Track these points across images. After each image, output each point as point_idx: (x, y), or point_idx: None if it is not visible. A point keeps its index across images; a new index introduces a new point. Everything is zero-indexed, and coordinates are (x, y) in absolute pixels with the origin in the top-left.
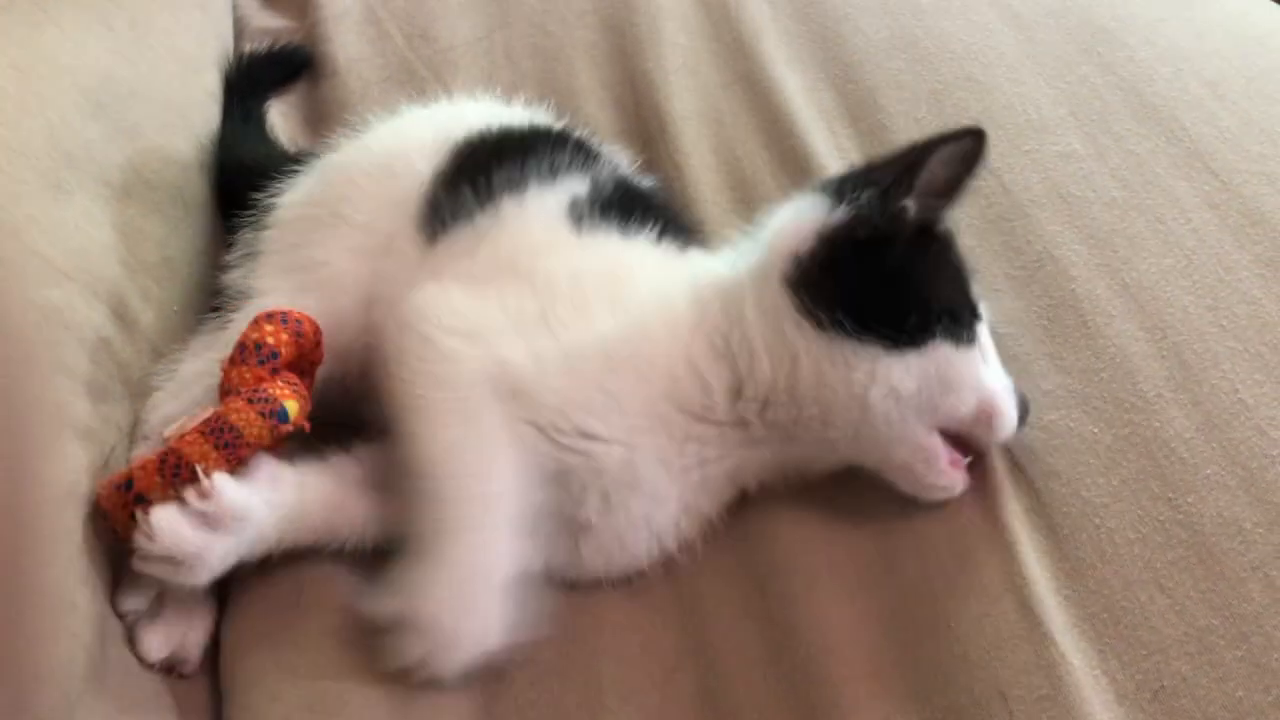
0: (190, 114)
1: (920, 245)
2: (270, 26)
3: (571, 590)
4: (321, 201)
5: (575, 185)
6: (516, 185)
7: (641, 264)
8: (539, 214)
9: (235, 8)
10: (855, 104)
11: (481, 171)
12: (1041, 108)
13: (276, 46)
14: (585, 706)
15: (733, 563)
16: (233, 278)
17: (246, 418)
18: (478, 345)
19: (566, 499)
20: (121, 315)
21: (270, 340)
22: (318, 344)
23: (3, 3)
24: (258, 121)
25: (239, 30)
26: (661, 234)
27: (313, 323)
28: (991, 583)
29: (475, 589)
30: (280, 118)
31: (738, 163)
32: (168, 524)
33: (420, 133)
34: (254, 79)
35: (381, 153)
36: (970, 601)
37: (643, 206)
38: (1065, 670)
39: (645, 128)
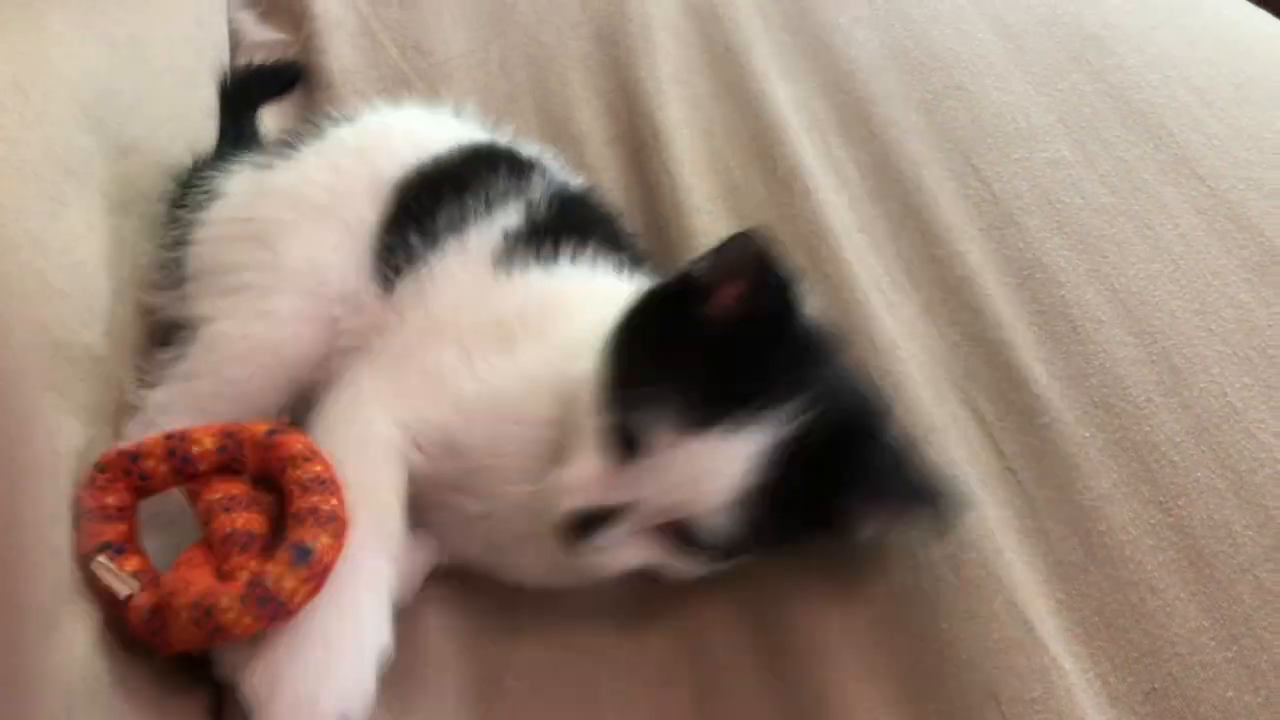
0: (187, 128)
1: None
2: (265, 40)
3: (567, 600)
4: (264, 221)
5: (509, 214)
6: (457, 225)
7: (558, 308)
8: (468, 259)
9: (230, 22)
10: (847, 114)
11: (426, 214)
12: (1031, 116)
13: (269, 61)
14: (582, 712)
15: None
16: (165, 301)
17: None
18: (403, 420)
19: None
20: (113, 332)
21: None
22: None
23: (4, 17)
24: (249, 138)
25: (234, 44)
26: (594, 248)
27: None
28: (983, 586)
29: (337, 655)
30: (276, 131)
31: (729, 172)
32: None
33: (357, 170)
34: (246, 94)
35: (322, 191)
36: (962, 605)
37: (576, 221)
38: (1058, 674)
39: (637, 136)
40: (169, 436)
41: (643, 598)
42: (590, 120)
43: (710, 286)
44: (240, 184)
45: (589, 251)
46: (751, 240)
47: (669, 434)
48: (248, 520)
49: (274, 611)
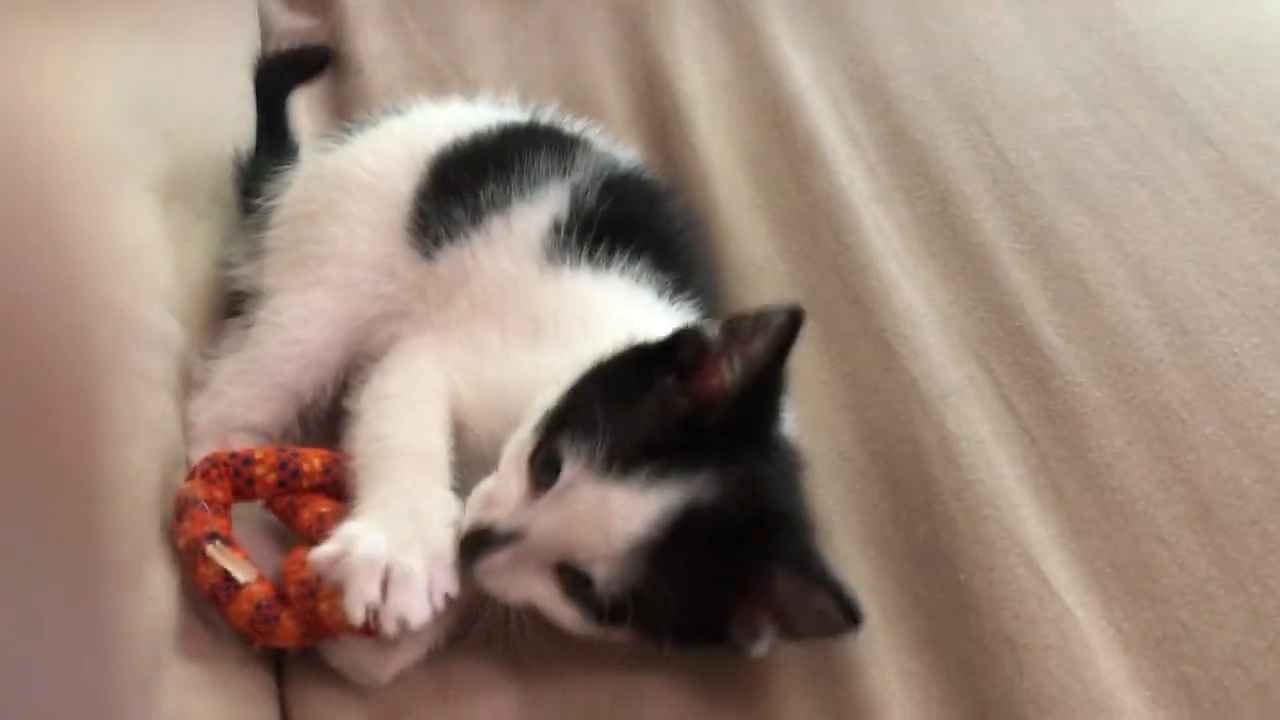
0: (224, 116)
1: None
2: (294, 26)
3: None
4: (318, 201)
5: (553, 200)
6: (500, 202)
7: (589, 324)
8: (514, 245)
9: (259, 9)
10: (863, 86)
11: (465, 186)
12: (1043, 85)
13: (297, 46)
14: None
15: None
16: (241, 275)
17: None
18: (444, 372)
19: None
20: (175, 312)
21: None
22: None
23: (50, 13)
24: (281, 124)
25: (264, 31)
26: (645, 263)
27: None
28: (998, 539)
29: (415, 525)
30: (307, 114)
31: (748, 144)
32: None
33: (398, 150)
34: (277, 79)
35: (364, 170)
36: (979, 558)
37: (629, 217)
38: (1071, 622)
39: (659, 111)
40: (282, 450)
41: None
42: (613, 98)
43: (708, 357)
44: (305, 170)
45: (639, 267)
46: (789, 314)
47: (582, 472)
48: None
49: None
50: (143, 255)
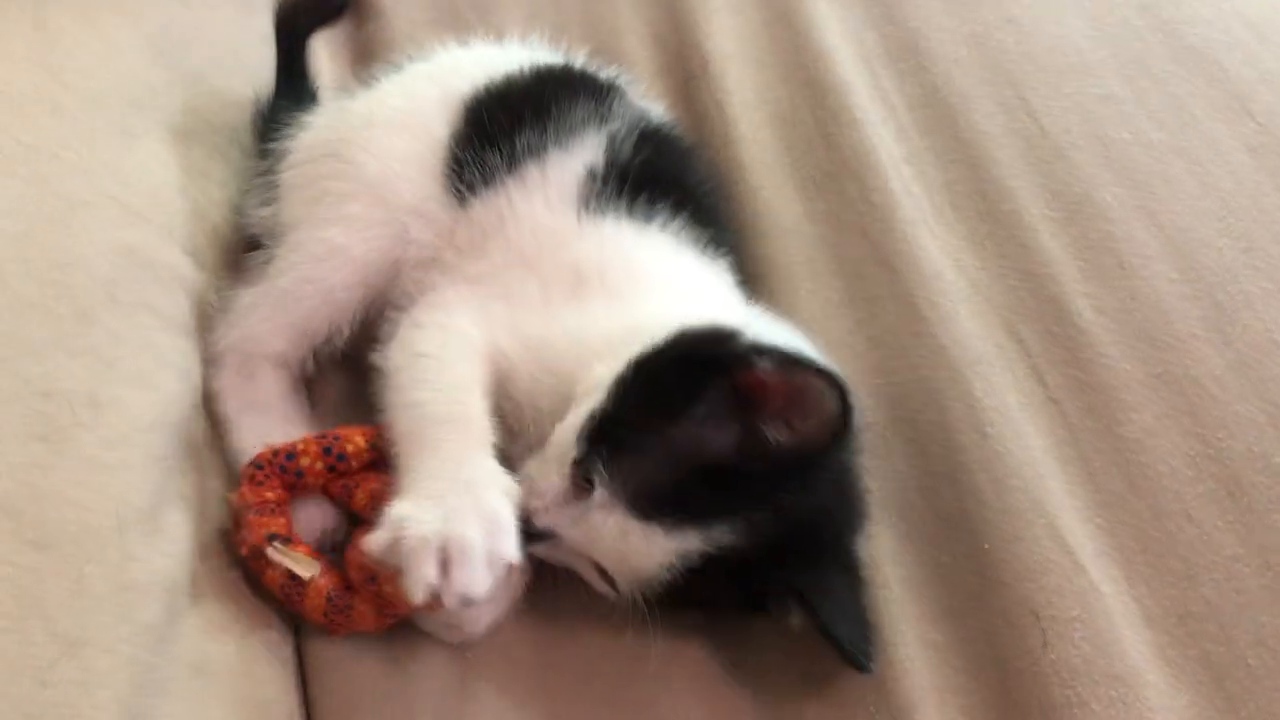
0: (245, 57)
1: None
2: None
3: None
4: (341, 141)
5: (590, 148)
6: (536, 149)
7: (639, 281)
8: (551, 193)
9: None
10: (896, 45)
11: (500, 131)
12: (1082, 50)
13: None
14: None
15: None
16: (258, 219)
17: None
18: (482, 328)
19: None
20: (192, 253)
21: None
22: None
23: None
24: (300, 68)
25: None
26: (685, 218)
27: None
28: (1024, 509)
29: (468, 495)
30: (328, 59)
31: (778, 102)
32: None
33: (429, 91)
34: (297, 22)
35: (395, 111)
36: (1004, 527)
37: (664, 169)
38: (1095, 596)
39: (686, 65)
40: (322, 436)
41: None
42: (638, 49)
43: (754, 382)
44: (326, 112)
45: (679, 224)
46: (839, 395)
47: (611, 498)
48: None
49: None
50: (161, 194)
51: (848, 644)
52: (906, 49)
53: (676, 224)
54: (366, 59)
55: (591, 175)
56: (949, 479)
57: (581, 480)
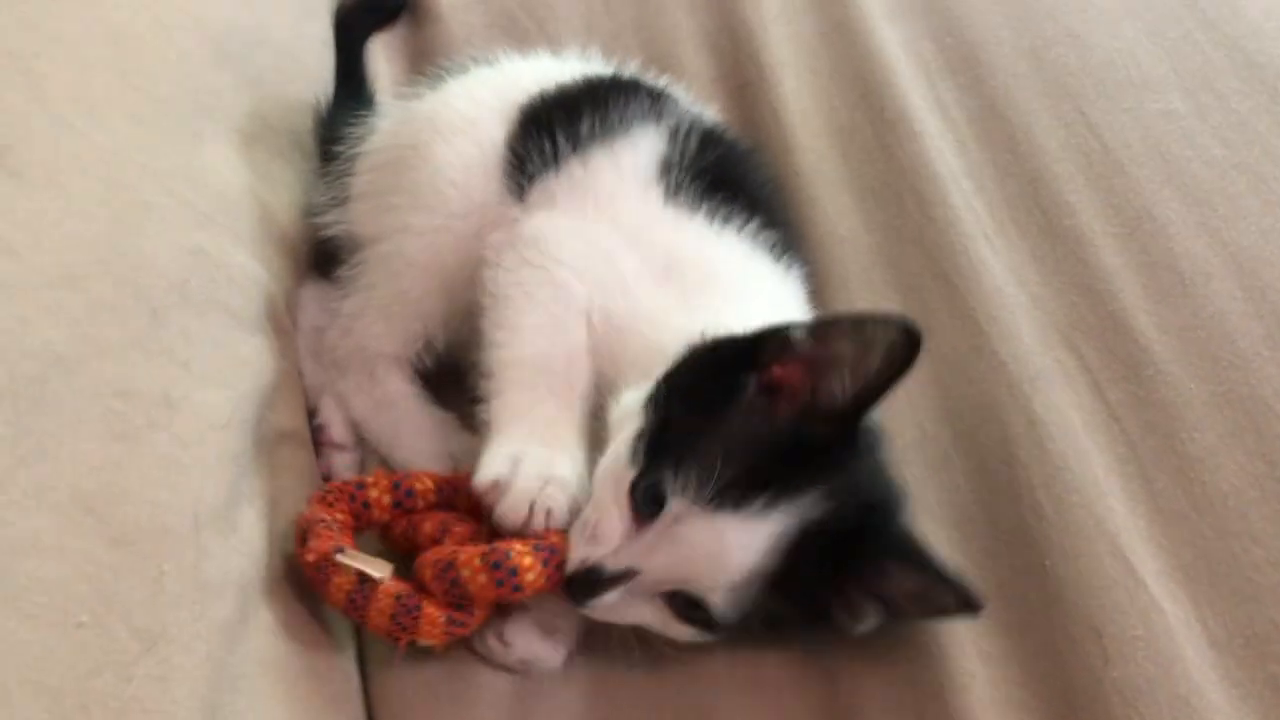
0: (306, 61)
1: None
2: None
3: None
4: (408, 147)
5: (655, 139)
6: (599, 134)
7: (721, 286)
8: (632, 174)
9: None
10: (955, 58)
11: (562, 124)
12: (1142, 65)
13: None
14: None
15: None
16: (329, 222)
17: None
18: (585, 282)
19: None
20: (259, 254)
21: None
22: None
23: None
24: (358, 71)
25: None
26: (758, 221)
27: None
28: (1086, 527)
29: (555, 438)
30: (385, 62)
31: (835, 112)
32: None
33: (488, 98)
34: (355, 25)
35: (458, 117)
36: (1065, 545)
37: (730, 169)
38: (1158, 614)
39: (742, 74)
40: (392, 473)
41: None
42: (694, 58)
43: (793, 359)
44: (393, 114)
45: (753, 227)
46: (906, 333)
47: (690, 506)
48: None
49: (508, 579)
50: (229, 196)
51: (965, 588)
52: (965, 61)
53: (752, 227)
54: (423, 62)
55: (666, 165)
56: (1009, 494)
57: (644, 506)
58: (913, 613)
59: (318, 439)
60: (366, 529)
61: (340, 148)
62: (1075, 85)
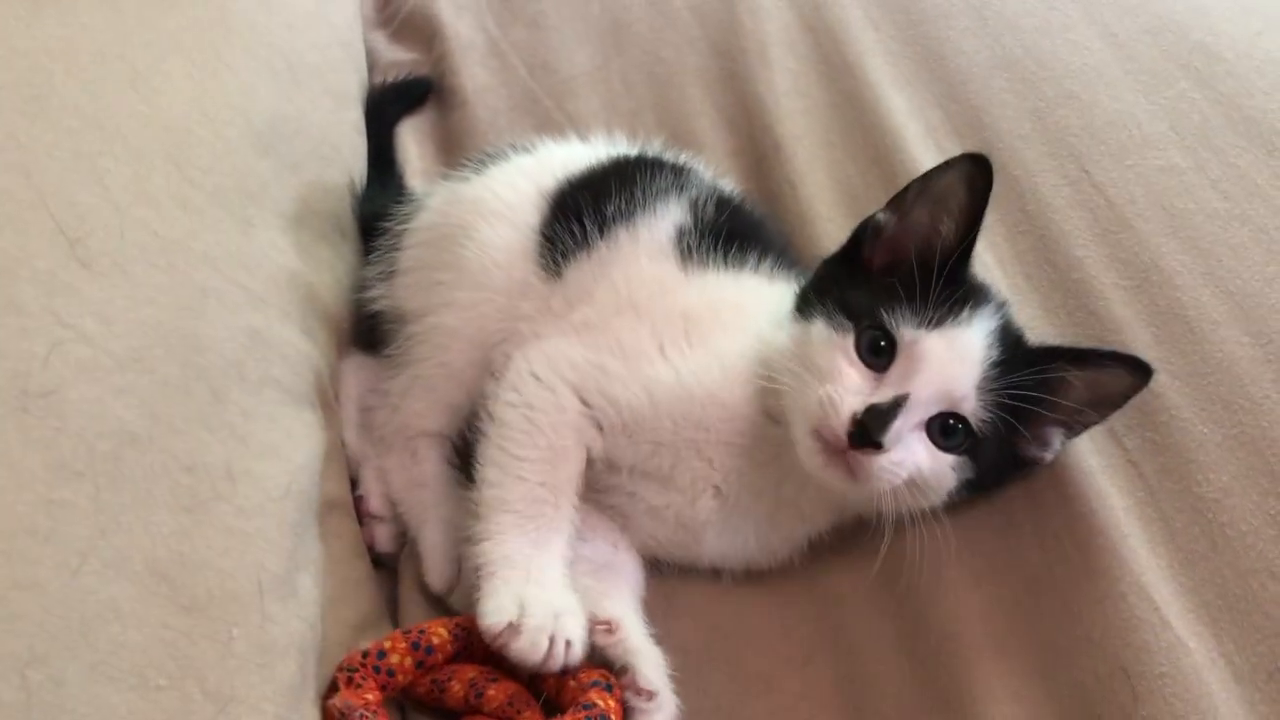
0: (341, 146)
1: None
2: (399, 59)
3: (713, 583)
4: (455, 226)
5: (675, 211)
6: (623, 214)
7: (741, 309)
8: (649, 248)
9: (365, 42)
10: (961, 122)
11: (589, 207)
12: (1142, 123)
13: (402, 78)
14: (730, 687)
15: (860, 561)
16: (377, 296)
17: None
18: (589, 398)
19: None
20: (307, 331)
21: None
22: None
23: (184, 49)
24: (388, 153)
25: (370, 64)
26: (772, 261)
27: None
28: (1109, 569)
29: (550, 581)
30: (415, 145)
31: (849, 180)
32: None
33: (524, 183)
34: (384, 110)
35: (500, 203)
36: (1090, 588)
37: (746, 226)
38: (1183, 652)
39: (758, 148)
40: (407, 632)
41: (783, 586)
42: (711, 133)
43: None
44: (440, 195)
45: (768, 264)
46: (973, 160)
47: (917, 330)
48: (506, 688)
49: None
50: (279, 278)
51: (1131, 357)
52: (971, 125)
53: (767, 265)
54: (451, 144)
55: (682, 233)
56: (1035, 540)
57: (871, 354)
58: (1092, 416)
59: (358, 508)
60: (392, 694)
61: (386, 224)
62: (1078, 145)
